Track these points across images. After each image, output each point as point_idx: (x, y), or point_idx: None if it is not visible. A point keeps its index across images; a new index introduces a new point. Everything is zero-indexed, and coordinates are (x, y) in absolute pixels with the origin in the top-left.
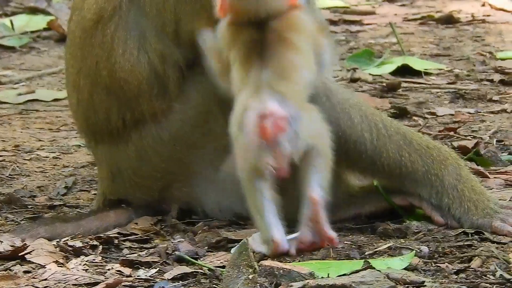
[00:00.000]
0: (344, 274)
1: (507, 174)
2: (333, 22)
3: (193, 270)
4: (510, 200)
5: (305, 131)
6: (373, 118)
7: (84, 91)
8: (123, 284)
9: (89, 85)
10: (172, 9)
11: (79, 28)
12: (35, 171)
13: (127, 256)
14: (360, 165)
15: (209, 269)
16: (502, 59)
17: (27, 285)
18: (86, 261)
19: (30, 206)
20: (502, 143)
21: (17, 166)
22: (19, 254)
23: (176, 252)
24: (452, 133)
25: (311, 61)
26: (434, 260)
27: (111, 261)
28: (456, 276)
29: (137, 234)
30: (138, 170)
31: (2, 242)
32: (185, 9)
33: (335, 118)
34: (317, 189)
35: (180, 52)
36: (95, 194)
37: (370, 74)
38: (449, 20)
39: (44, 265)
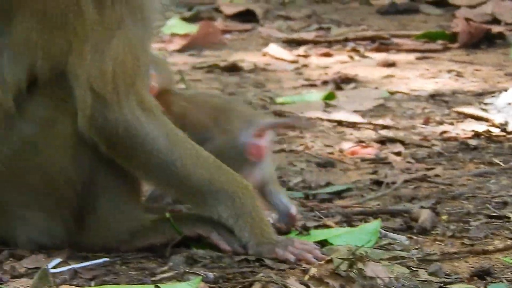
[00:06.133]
0: None
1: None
2: None
3: None
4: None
5: None
6: (191, 141)
7: None
8: None
9: None
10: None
11: None
12: None
13: None
14: (176, 178)
15: None
16: (281, 104)
17: None
18: None
19: None
20: (281, 179)
21: None
22: None
23: None
24: None
25: None
26: (219, 284)
27: None
28: None
29: None
30: None
31: None
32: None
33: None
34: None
35: (15, 100)
36: None
37: None
38: (233, 69)
39: None
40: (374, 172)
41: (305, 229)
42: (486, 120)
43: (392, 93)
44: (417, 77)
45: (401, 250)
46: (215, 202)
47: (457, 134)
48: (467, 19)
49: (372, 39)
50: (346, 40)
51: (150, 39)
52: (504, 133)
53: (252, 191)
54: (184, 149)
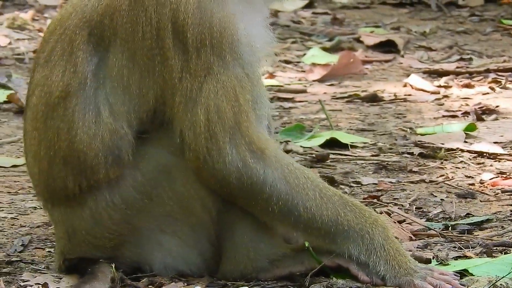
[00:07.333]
0: None
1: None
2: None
3: None
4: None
5: None
6: (314, 180)
7: (44, 161)
8: None
9: (48, 156)
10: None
11: (42, 103)
12: None
13: None
14: (300, 222)
15: None
16: (422, 135)
17: None
18: None
19: None
20: (421, 209)
21: None
22: None
23: None
24: (375, 200)
25: None
26: None
27: None
28: None
29: None
30: (92, 231)
31: None
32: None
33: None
34: None
35: (130, 128)
36: (49, 251)
37: (301, 146)
38: (374, 99)
39: None
40: None
41: (445, 259)
42: None
43: None
44: None
45: None
46: (344, 242)
47: None
48: None
49: None
50: (488, 71)
51: (253, 74)
52: None
53: (382, 223)
54: (306, 191)
